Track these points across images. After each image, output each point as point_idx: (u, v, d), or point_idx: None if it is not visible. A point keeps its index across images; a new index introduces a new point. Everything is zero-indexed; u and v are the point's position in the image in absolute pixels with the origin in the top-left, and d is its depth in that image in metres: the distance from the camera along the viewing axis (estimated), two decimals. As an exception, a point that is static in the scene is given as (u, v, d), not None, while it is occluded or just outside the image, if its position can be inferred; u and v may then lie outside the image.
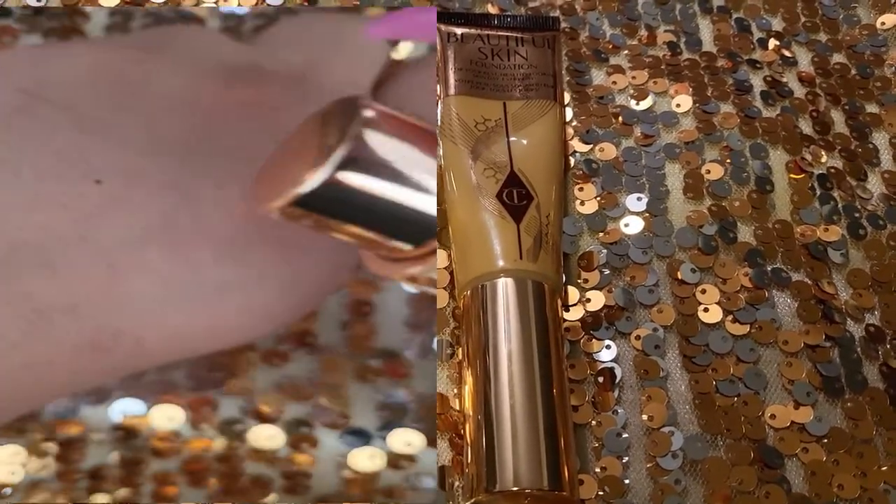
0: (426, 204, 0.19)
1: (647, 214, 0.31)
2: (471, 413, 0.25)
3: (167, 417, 0.27)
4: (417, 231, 0.19)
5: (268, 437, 0.27)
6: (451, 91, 0.32)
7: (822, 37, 0.36)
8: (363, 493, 0.27)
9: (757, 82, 0.34)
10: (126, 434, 0.27)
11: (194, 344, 0.21)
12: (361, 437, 0.27)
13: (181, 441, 0.27)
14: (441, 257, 0.29)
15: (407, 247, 0.19)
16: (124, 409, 0.28)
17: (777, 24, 0.36)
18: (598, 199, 0.31)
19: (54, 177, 0.19)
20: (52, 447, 0.27)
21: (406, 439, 0.27)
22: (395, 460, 0.27)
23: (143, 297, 0.19)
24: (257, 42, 0.25)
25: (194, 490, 0.27)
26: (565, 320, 0.28)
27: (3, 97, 0.21)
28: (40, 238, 0.19)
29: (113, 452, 0.27)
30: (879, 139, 0.33)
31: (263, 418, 0.27)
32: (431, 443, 0.27)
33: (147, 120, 0.21)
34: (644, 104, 0.34)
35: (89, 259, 0.19)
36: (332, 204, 0.18)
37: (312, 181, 0.18)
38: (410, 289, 0.20)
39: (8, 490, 0.27)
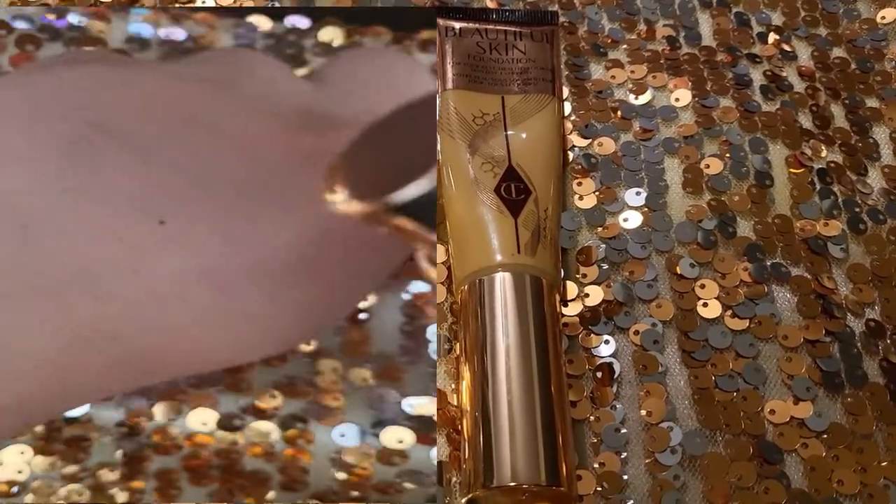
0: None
1: (646, 209, 0.31)
2: (468, 408, 0.25)
3: (168, 416, 0.27)
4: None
5: (264, 432, 0.27)
6: (449, 85, 0.31)
7: (822, 31, 0.36)
8: (359, 490, 0.27)
9: (756, 77, 0.34)
10: (130, 431, 0.27)
11: (213, 362, 0.21)
12: (355, 433, 0.27)
13: (183, 438, 0.27)
14: (439, 252, 0.29)
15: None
16: (129, 405, 0.28)
17: (777, 19, 0.36)
18: (597, 193, 0.31)
19: (118, 211, 0.20)
20: (58, 446, 0.27)
21: (398, 436, 0.27)
22: (387, 456, 0.27)
23: (179, 323, 0.20)
24: (323, 80, 0.25)
25: (195, 488, 0.27)
26: (563, 315, 0.28)
27: (66, 125, 0.21)
28: (95, 267, 0.19)
29: (118, 451, 0.27)
30: (879, 134, 0.33)
31: (260, 415, 0.27)
32: (429, 441, 0.27)
33: (212, 159, 0.21)
34: (643, 98, 0.33)
35: (138, 292, 0.19)
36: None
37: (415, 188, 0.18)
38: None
39: (16, 488, 0.27)
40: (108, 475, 0.27)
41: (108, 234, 0.19)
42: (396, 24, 0.33)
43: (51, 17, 0.32)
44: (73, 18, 0.32)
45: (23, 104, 0.21)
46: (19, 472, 0.27)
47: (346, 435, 0.27)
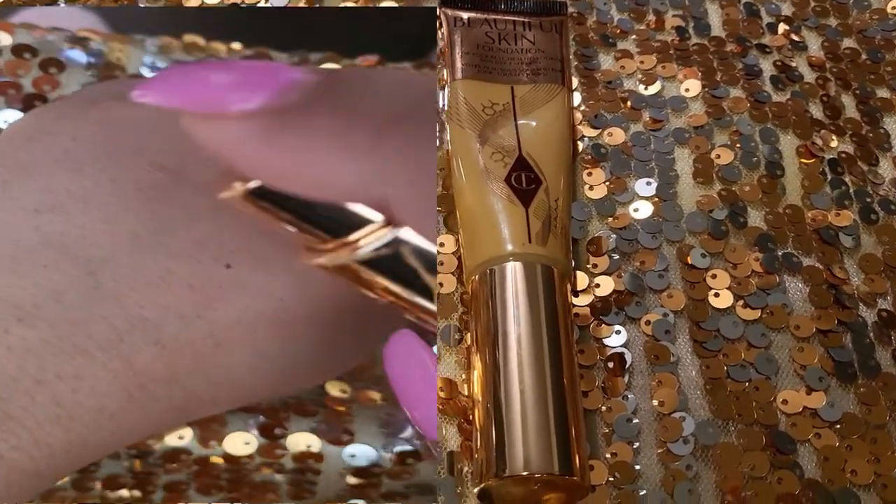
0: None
1: (657, 199, 0.30)
2: (480, 398, 0.25)
3: (176, 436, 0.27)
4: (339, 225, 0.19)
5: (275, 453, 0.27)
6: (458, 75, 0.31)
7: (833, 21, 0.36)
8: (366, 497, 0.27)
9: (767, 67, 0.34)
10: (139, 451, 0.27)
11: (253, 399, 0.21)
12: (365, 453, 0.27)
13: (191, 458, 0.27)
14: (449, 242, 0.29)
15: (327, 237, 0.19)
16: None
17: (787, 9, 0.36)
18: (607, 183, 0.31)
19: (187, 257, 0.19)
20: None
21: (407, 455, 0.27)
22: (396, 473, 0.27)
23: (235, 369, 0.20)
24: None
25: (203, 497, 0.27)
26: (574, 305, 0.28)
27: (137, 169, 0.20)
28: (159, 316, 0.19)
29: (126, 462, 0.27)
30: (890, 124, 0.33)
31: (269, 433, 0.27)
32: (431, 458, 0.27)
33: None
34: (653, 89, 0.33)
35: (199, 336, 0.19)
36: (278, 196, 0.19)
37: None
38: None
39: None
40: (116, 485, 0.27)
41: (179, 281, 0.19)
42: (390, 54, 0.33)
43: (67, 46, 0.32)
44: (94, 46, 0.32)
45: (94, 147, 0.21)
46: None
47: (356, 455, 0.27)
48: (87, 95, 0.23)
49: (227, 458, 0.27)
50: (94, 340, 0.18)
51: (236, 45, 0.32)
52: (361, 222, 0.17)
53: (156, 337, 0.19)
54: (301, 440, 0.27)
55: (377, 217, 0.17)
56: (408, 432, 0.27)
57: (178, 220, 0.20)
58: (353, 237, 0.17)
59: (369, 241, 0.17)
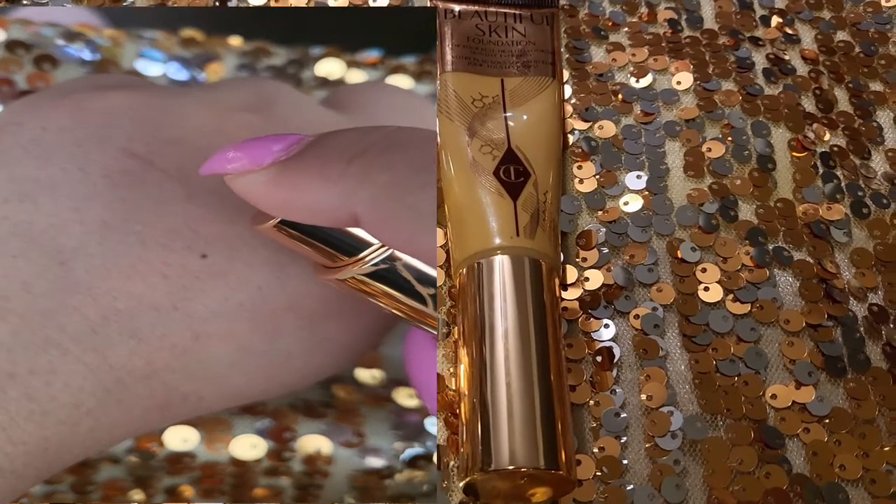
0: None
1: (647, 192, 0.30)
2: (466, 392, 0.25)
3: (181, 439, 0.26)
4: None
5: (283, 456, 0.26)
6: (448, 67, 0.31)
7: (826, 14, 0.36)
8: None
9: (759, 60, 0.34)
10: (139, 455, 0.27)
11: (247, 398, 0.21)
12: (377, 455, 0.26)
13: (195, 462, 0.26)
14: (438, 235, 0.29)
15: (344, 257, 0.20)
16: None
17: (780, 2, 0.36)
18: (597, 177, 0.31)
19: (160, 246, 0.19)
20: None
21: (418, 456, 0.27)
22: (406, 476, 0.27)
23: (217, 362, 0.20)
24: (342, 108, 0.24)
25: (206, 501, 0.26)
26: (563, 299, 0.28)
27: (107, 157, 0.20)
28: (133, 307, 0.19)
29: (126, 465, 0.26)
30: (883, 117, 0.33)
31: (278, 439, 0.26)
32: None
33: None
34: (644, 81, 0.33)
35: (177, 329, 0.19)
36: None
37: None
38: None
39: (25, 500, 0.26)
40: (117, 489, 0.26)
41: (151, 270, 0.19)
42: (391, 48, 0.33)
43: (62, 42, 0.31)
44: (89, 41, 0.32)
45: (62, 135, 0.20)
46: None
47: (367, 457, 0.26)
48: (61, 89, 0.23)
49: (234, 462, 0.26)
50: (66, 333, 0.18)
51: (235, 41, 0.32)
52: (367, 244, 0.19)
53: (131, 329, 0.18)
54: (310, 443, 0.26)
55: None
56: (421, 433, 0.26)
57: (149, 208, 0.19)
58: (360, 255, 0.19)
59: (372, 258, 0.19)
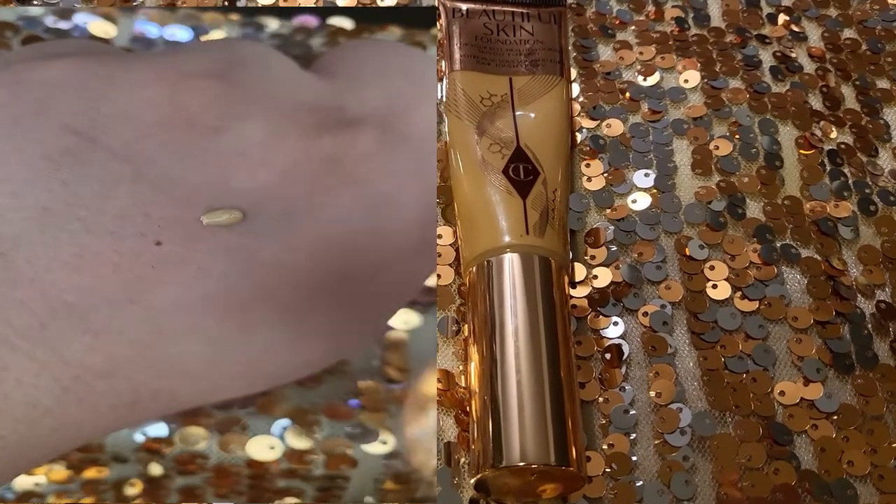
0: None
1: (655, 190, 0.30)
2: (477, 390, 0.25)
3: (192, 439, 0.26)
4: None
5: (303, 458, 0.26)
6: (457, 66, 0.31)
7: (833, 12, 0.36)
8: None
9: (766, 58, 0.34)
10: (150, 455, 0.26)
11: (227, 394, 0.20)
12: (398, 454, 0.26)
13: (208, 462, 0.26)
14: (446, 233, 0.29)
15: None
16: (147, 431, 0.26)
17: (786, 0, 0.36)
18: (606, 175, 0.31)
19: (107, 233, 0.17)
20: (76, 459, 0.26)
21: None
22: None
23: (188, 357, 0.18)
24: (330, 73, 0.22)
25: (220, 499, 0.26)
26: (572, 297, 0.28)
27: (47, 134, 0.18)
28: (84, 300, 0.17)
29: (138, 466, 0.26)
30: (890, 115, 0.33)
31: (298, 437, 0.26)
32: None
33: (215, 169, 0.18)
34: (651, 80, 0.33)
35: (136, 323, 0.17)
36: None
37: None
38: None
39: (34, 501, 0.26)
40: (129, 489, 0.26)
41: (100, 260, 0.17)
42: (407, 22, 0.33)
43: (55, 18, 0.31)
44: (80, 19, 0.31)
45: None
46: (36, 483, 0.26)
47: (392, 459, 0.26)
48: (3, 59, 0.20)
49: (251, 463, 0.26)
50: (12, 328, 0.16)
51: (234, 16, 0.32)
52: None
53: (84, 324, 0.17)
54: (334, 444, 0.26)
55: None
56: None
57: (94, 191, 0.17)
58: None
59: None
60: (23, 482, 0.26)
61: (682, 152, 0.32)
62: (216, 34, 0.31)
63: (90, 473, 0.26)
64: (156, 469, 0.26)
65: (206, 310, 0.18)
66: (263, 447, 0.26)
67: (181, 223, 0.18)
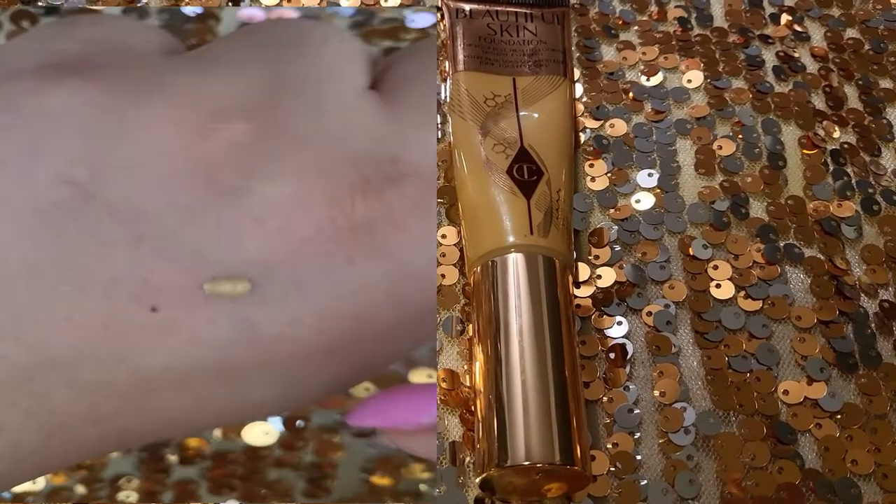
0: None
1: (659, 190, 0.31)
2: (481, 389, 0.25)
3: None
4: None
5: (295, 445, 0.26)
6: (460, 67, 0.31)
7: (835, 12, 0.36)
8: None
9: (769, 57, 0.34)
10: (149, 452, 0.26)
11: (211, 427, 0.19)
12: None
13: (205, 451, 0.26)
14: (451, 233, 0.29)
15: None
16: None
17: (789, -1, 0.36)
18: (609, 175, 0.31)
19: (101, 295, 0.16)
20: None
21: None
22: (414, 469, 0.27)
23: (175, 411, 0.17)
24: (394, 97, 0.19)
25: (216, 497, 0.26)
26: (576, 297, 0.28)
27: (38, 181, 0.16)
28: (70, 357, 0.16)
29: (135, 459, 0.26)
30: (893, 114, 0.33)
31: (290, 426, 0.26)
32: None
33: (229, 240, 0.17)
34: (655, 80, 0.33)
35: (124, 380, 0.16)
36: None
37: None
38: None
39: (31, 500, 0.26)
40: (124, 486, 0.26)
41: (90, 320, 0.16)
42: None
43: None
44: None
45: None
46: (34, 482, 0.26)
47: (378, 445, 0.26)
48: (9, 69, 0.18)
49: (246, 450, 0.26)
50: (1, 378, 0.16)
51: None
52: None
53: (69, 379, 0.16)
54: (323, 432, 0.26)
55: None
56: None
57: (88, 251, 0.16)
58: None
59: None
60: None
61: (686, 152, 0.32)
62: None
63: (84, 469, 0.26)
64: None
65: (196, 375, 0.17)
66: (259, 434, 0.26)
67: (182, 290, 0.16)
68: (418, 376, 0.27)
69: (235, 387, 0.17)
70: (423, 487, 0.26)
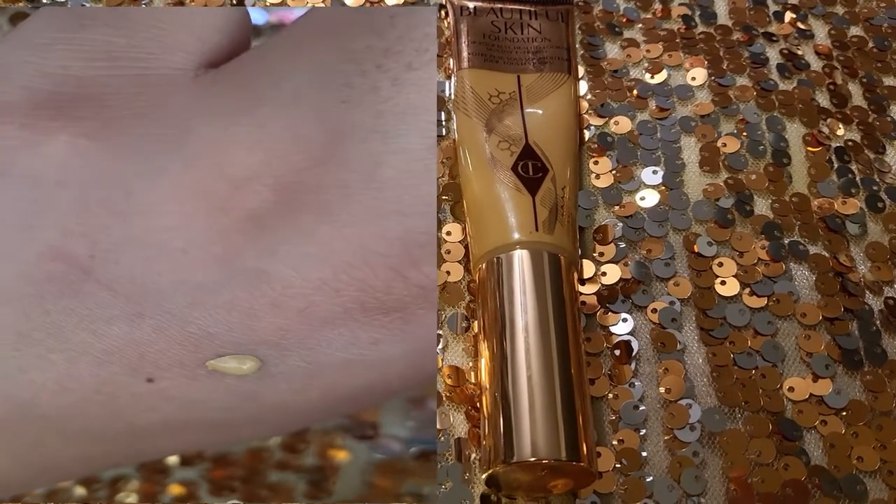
0: None
1: (663, 188, 0.31)
2: (487, 386, 0.25)
3: None
4: None
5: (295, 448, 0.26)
6: (465, 64, 0.31)
7: (839, 9, 0.36)
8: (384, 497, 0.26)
9: (773, 55, 0.34)
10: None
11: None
12: (390, 448, 0.26)
13: (207, 454, 0.26)
14: (456, 230, 0.29)
15: None
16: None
17: (793, -3, 0.36)
18: (614, 172, 0.31)
19: (94, 365, 0.15)
20: None
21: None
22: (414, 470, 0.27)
23: (171, 451, 0.18)
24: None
25: (216, 499, 0.26)
26: (581, 294, 0.28)
27: (30, 252, 0.15)
28: (62, 416, 0.16)
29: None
30: (897, 112, 0.33)
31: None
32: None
33: (240, 322, 0.15)
34: (659, 77, 0.33)
35: (113, 435, 0.16)
36: None
37: None
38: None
39: (29, 499, 0.26)
40: (123, 487, 0.26)
41: (82, 386, 0.15)
42: None
43: None
44: None
45: None
46: None
47: (381, 450, 0.26)
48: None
49: (247, 452, 0.26)
50: None
51: None
52: None
53: (60, 427, 0.16)
54: (324, 435, 0.26)
55: None
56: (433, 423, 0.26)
57: (82, 328, 0.15)
58: None
59: None
60: None
61: (690, 149, 0.32)
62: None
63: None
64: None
65: (188, 431, 0.16)
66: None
67: (181, 366, 0.15)
68: None
69: (228, 437, 0.17)
70: (425, 490, 0.26)
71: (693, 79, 0.33)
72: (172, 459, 0.27)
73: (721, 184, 0.31)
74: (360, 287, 0.15)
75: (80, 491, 0.26)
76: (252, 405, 0.16)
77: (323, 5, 0.36)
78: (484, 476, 0.24)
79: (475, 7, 0.33)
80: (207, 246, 0.15)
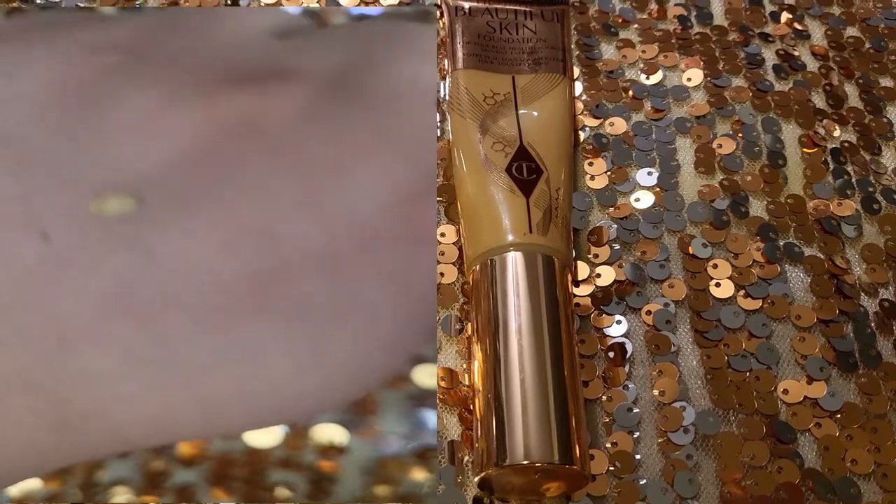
0: None
1: (658, 189, 0.30)
2: (480, 388, 0.25)
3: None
4: None
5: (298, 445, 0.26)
6: (459, 65, 0.31)
7: (836, 10, 0.36)
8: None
9: (769, 56, 0.34)
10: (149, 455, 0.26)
11: (186, 431, 0.16)
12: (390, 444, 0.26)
13: (207, 453, 0.26)
14: (450, 232, 0.29)
15: None
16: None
17: (789, -2, 0.36)
18: (609, 173, 0.31)
19: None
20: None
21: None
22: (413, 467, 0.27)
23: (104, 374, 0.15)
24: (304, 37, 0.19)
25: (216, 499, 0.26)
26: (575, 295, 0.28)
27: None
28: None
29: (134, 464, 0.26)
30: (893, 113, 0.33)
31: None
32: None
33: (110, 152, 0.16)
34: (654, 78, 0.33)
35: (36, 328, 0.15)
36: None
37: None
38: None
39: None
40: (123, 490, 0.26)
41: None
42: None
43: None
44: None
45: None
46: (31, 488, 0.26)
47: (380, 446, 0.26)
48: None
49: (247, 451, 0.26)
50: None
51: None
52: None
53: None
54: (326, 431, 0.26)
55: None
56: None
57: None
58: None
59: None
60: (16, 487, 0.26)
61: (686, 151, 0.32)
62: None
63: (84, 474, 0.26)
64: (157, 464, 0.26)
65: (105, 315, 0.15)
66: (261, 432, 0.26)
67: (68, 213, 0.15)
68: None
69: (152, 335, 0.15)
70: (424, 490, 0.26)
71: (689, 80, 0.33)
72: (173, 459, 0.27)
73: (716, 185, 0.31)
74: (203, 94, 0.16)
75: (78, 494, 0.26)
76: (149, 264, 0.15)
77: (317, 6, 0.36)
78: (477, 479, 0.24)
79: (470, 7, 0.33)
80: (71, 94, 0.16)
